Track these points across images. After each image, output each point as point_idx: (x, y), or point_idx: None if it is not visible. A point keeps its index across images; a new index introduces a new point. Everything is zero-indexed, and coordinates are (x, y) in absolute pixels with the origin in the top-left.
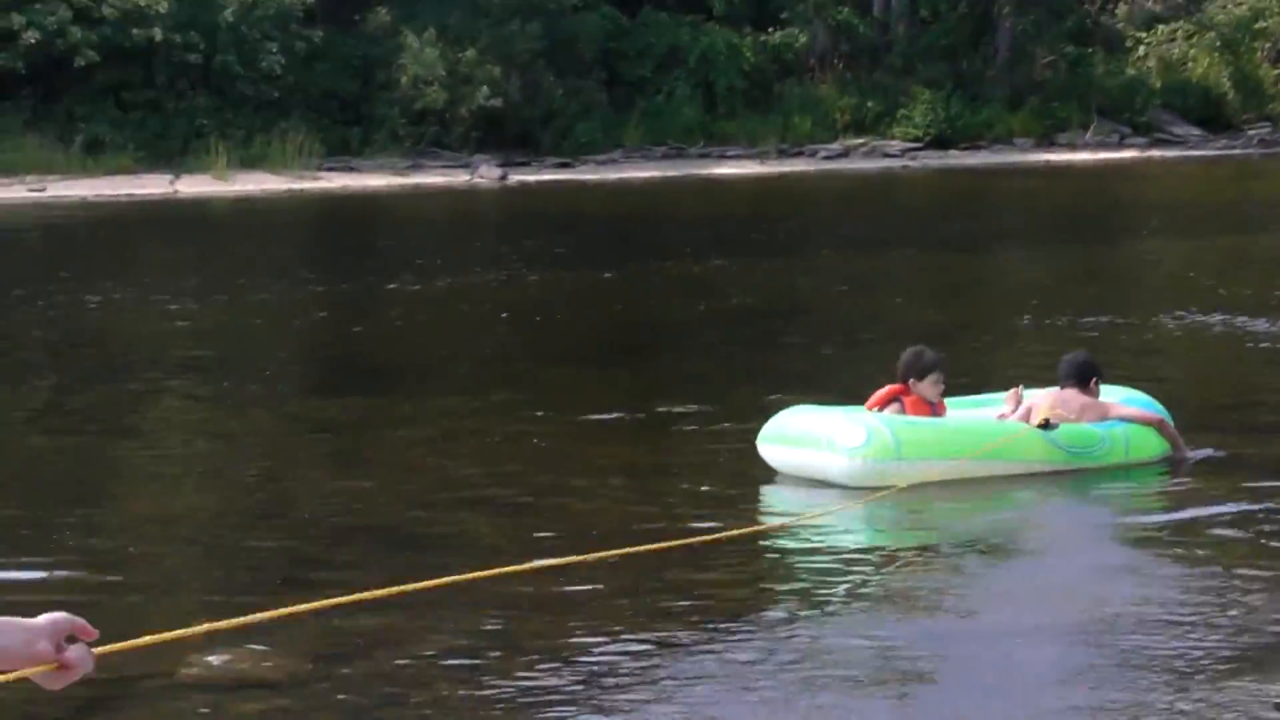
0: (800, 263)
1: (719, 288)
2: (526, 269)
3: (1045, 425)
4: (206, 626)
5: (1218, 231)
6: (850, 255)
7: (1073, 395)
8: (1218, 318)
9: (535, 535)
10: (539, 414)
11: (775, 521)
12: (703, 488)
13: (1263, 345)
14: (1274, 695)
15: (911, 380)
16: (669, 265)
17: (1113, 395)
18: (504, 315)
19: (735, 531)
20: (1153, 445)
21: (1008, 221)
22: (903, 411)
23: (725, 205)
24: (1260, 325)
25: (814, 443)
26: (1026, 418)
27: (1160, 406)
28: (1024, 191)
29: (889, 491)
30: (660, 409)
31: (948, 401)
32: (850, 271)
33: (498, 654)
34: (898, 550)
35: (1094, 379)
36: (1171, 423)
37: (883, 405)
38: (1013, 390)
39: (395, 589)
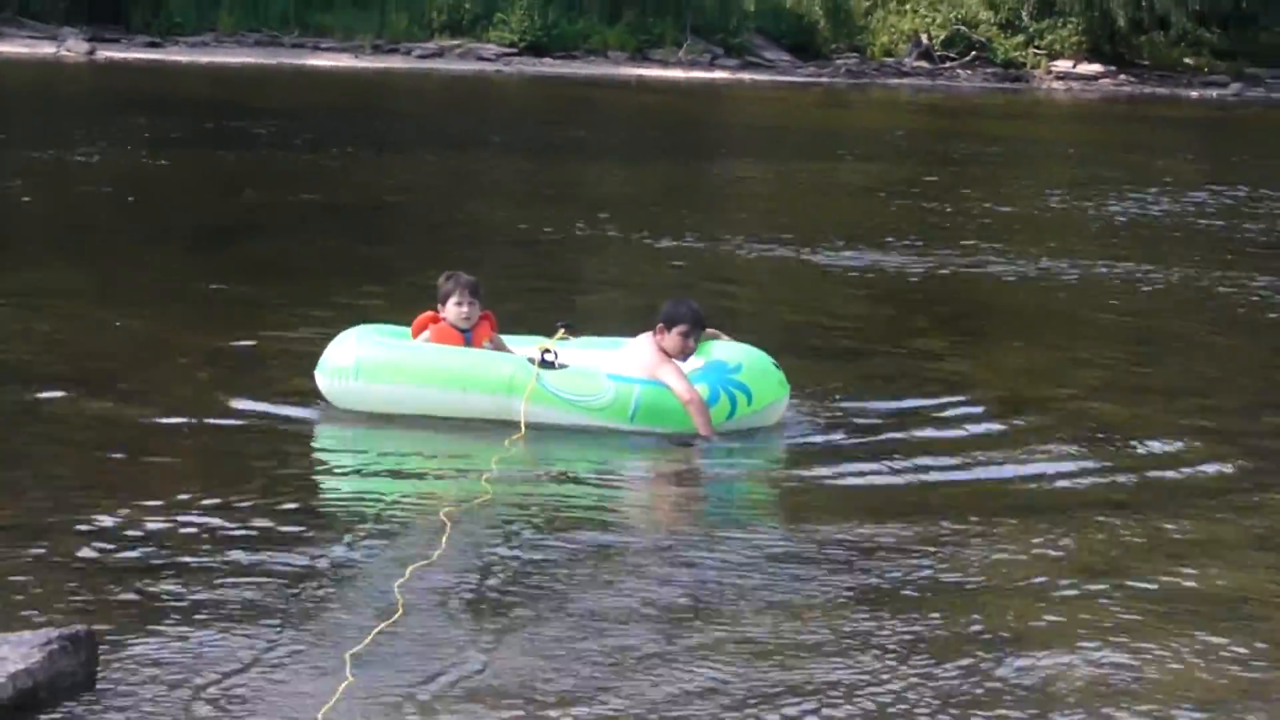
0: (400, 160)
1: (320, 180)
2: (123, 149)
3: (545, 361)
4: None
5: (803, 157)
6: (448, 156)
7: (646, 340)
8: (798, 245)
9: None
10: (131, 293)
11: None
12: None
13: (842, 274)
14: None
15: (439, 306)
16: (267, 154)
17: (724, 350)
18: (107, 192)
19: None
20: (666, 418)
21: (602, 133)
22: (428, 339)
23: (322, 97)
24: (841, 255)
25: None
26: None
27: (767, 362)
28: (617, 104)
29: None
30: (249, 295)
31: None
32: (449, 170)
33: None
34: None
35: (660, 325)
36: (708, 412)
37: (417, 332)
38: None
39: None
